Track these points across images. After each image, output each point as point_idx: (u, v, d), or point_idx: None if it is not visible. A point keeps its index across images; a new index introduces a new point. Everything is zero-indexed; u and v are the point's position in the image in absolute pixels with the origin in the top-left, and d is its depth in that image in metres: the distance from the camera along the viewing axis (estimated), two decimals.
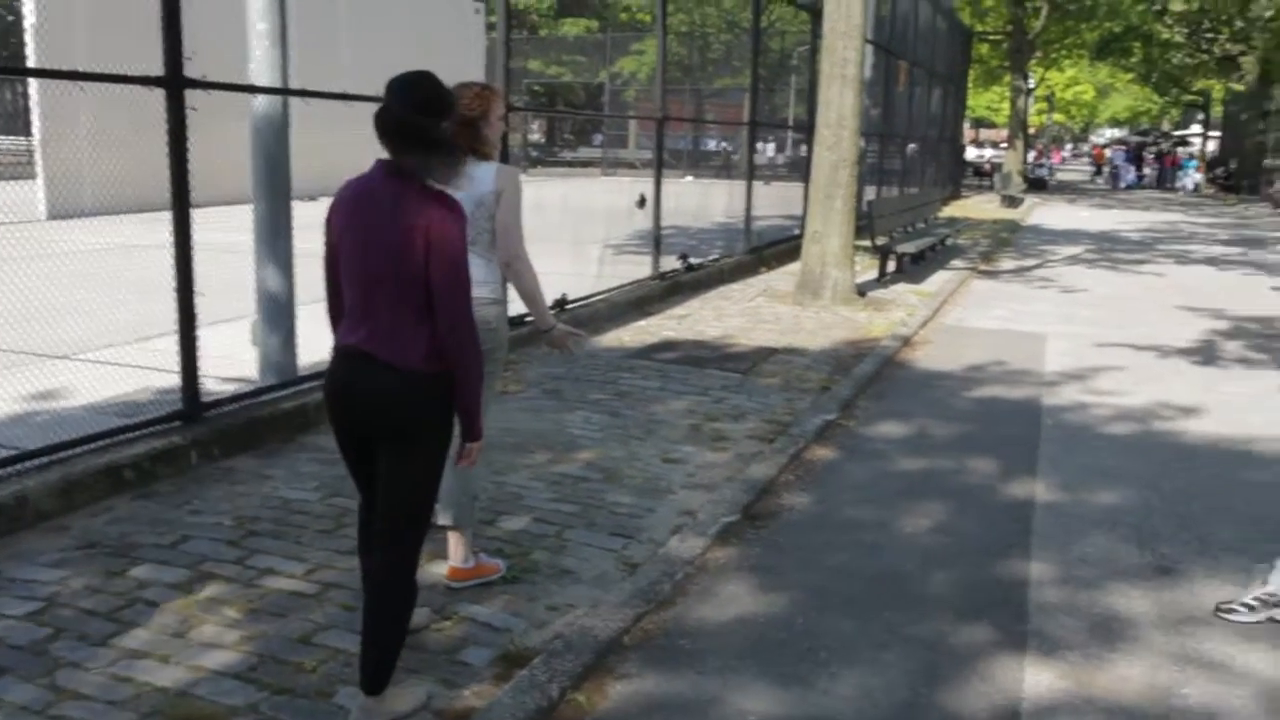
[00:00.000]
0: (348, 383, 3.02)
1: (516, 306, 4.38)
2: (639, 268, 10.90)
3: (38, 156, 16.41)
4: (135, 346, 6.97)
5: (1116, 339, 9.58)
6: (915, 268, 13.84)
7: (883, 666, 3.65)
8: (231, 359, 6.00)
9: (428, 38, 24.27)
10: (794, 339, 9.04)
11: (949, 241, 16.64)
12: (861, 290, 11.35)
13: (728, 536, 4.69)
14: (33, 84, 16.53)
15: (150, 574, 4.03)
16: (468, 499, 3.99)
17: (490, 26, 29.05)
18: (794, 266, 12.18)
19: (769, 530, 4.84)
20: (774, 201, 15.49)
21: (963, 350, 8.93)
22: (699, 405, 6.76)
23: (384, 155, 3.02)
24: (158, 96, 5.08)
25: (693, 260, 11.65)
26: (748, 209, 13.48)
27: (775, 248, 14.11)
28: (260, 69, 5.91)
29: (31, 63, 16.35)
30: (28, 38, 16.55)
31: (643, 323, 9.52)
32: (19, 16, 17.69)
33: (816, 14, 13.91)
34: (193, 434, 5.23)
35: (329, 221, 3.07)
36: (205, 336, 5.38)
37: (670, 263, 11.21)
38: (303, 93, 6.11)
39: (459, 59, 25.97)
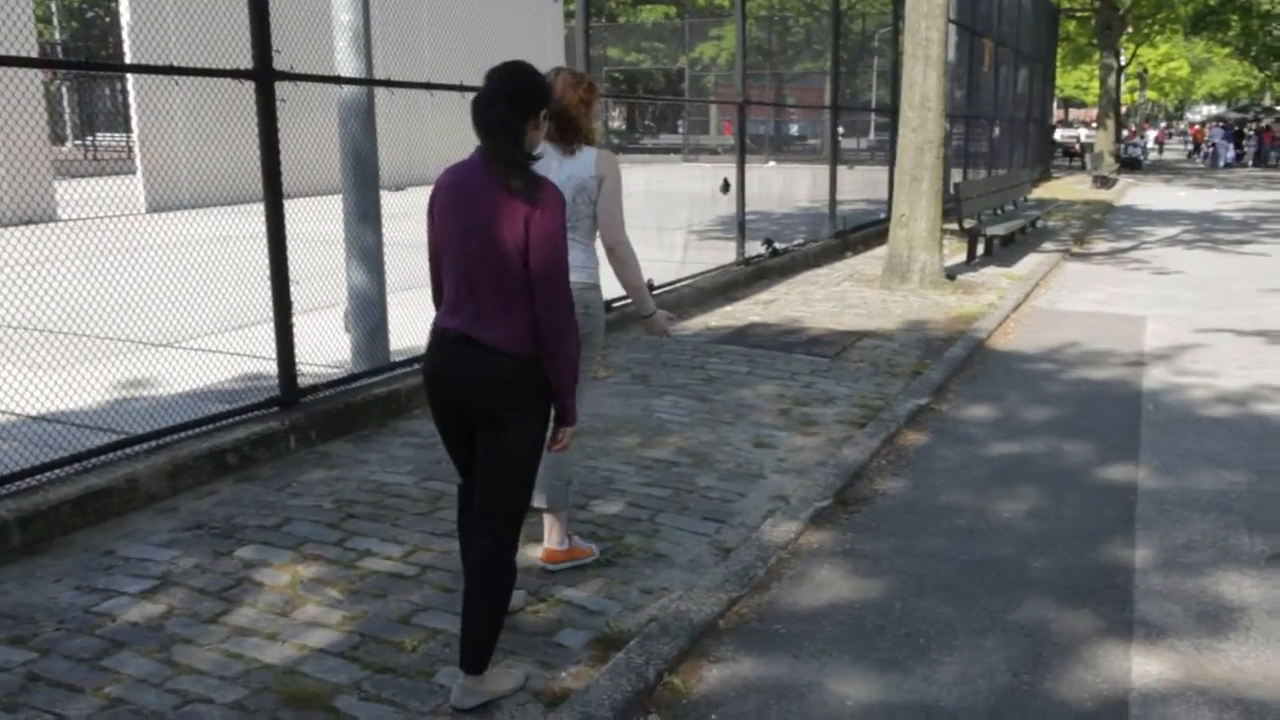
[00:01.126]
0: (447, 366, 3.04)
1: (608, 291, 4.38)
2: (724, 253, 10.85)
3: (137, 152, 16.97)
4: (233, 334, 7.15)
5: (1218, 322, 9.27)
6: (1005, 251, 13.56)
7: (983, 653, 3.58)
8: (325, 346, 6.12)
9: (506, 27, 24.46)
10: (882, 323, 8.92)
11: (1039, 224, 16.26)
12: (950, 274, 11.15)
13: (821, 521, 4.65)
14: (131, 81, 17.03)
15: (255, 554, 4.14)
16: (561, 482, 4.01)
17: (569, 15, 29.18)
18: (880, 250, 12.02)
19: (862, 515, 4.79)
20: (859, 185, 15.30)
21: (1056, 334, 8.72)
22: (788, 390, 6.71)
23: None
24: (248, 89, 5.19)
25: (777, 245, 11.56)
26: (832, 193, 13.33)
27: (861, 232, 13.93)
28: (345, 60, 5.99)
29: (129, 60, 16.86)
30: (125, 35, 17.07)
31: (729, 308, 9.48)
32: (115, 16, 18.26)
33: None
34: (290, 419, 5.35)
35: (430, 208, 3.10)
36: (300, 324, 5.50)
37: (755, 248, 11.13)
38: (387, 83, 6.17)
39: (538, 47, 26.22)
